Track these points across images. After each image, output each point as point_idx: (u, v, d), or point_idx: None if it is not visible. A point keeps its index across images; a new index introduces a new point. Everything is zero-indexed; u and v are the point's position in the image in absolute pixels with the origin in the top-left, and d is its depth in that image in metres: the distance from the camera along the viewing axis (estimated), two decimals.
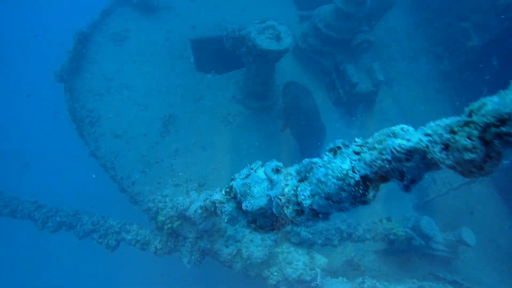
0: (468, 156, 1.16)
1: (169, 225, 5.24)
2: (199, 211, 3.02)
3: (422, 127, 1.41)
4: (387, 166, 1.43)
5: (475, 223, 7.77)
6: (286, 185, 1.92)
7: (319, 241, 5.87)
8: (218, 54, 8.56)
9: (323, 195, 1.64)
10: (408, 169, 1.38)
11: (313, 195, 1.72)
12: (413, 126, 1.47)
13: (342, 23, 7.67)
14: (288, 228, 5.76)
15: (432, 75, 9.65)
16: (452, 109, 9.17)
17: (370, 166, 1.51)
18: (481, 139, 1.14)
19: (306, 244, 5.78)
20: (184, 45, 8.37)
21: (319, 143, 6.75)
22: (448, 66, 9.15)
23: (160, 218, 5.29)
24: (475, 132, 1.15)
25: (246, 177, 2.25)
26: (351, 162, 1.58)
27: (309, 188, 1.76)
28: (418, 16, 10.48)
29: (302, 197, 1.77)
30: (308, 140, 6.87)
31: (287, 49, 6.32)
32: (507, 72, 7.84)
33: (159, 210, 5.41)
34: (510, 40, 7.91)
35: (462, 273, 6.89)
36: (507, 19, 7.83)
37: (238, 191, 2.21)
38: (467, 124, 1.19)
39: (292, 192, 1.86)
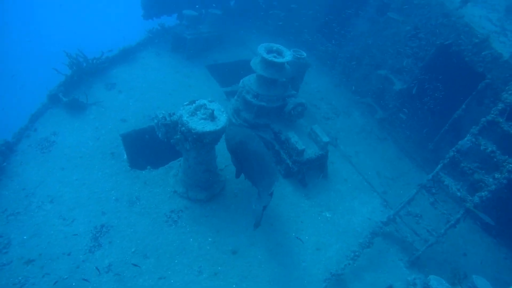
0: None
1: None
2: None
3: None
4: None
5: (473, 264, 7.15)
6: None
7: None
8: (152, 146, 7.57)
9: None
10: None
11: None
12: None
13: (269, 91, 7.21)
14: None
15: (370, 125, 9.53)
16: (399, 151, 9.04)
17: None
18: None
19: None
20: (115, 142, 7.32)
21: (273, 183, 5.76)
22: (382, 114, 9.08)
23: None
24: None
25: None
26: None
27: None
28: (333, 72, 10.77)
29: None
30: (263, 181, 5.90)
31: (224, 127, 5.57)
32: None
33: None
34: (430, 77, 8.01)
35: None
36: (419, 59, 8.06)
37: None
38: None
39: None
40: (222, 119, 5.63)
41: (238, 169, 6.42)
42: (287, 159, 7.09)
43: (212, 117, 5.54)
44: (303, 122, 7.65)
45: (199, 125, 5.37)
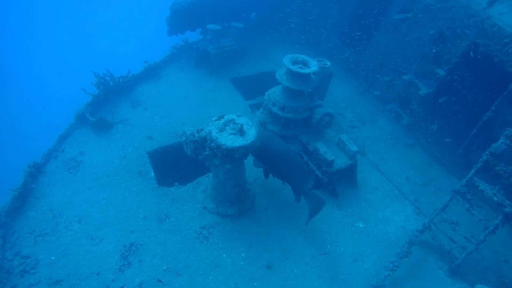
0: None
1: None
2: None
3: None
4: None
5: None
6: None
7: None
8: (179, 162, 7.41)
9: None
10: None
11: None
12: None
13: (296, 102, 6.99)
14: None
15: (397, 131, 9.19)
16: (428, 157, 8.67)
17: None
18: None
19: None
20: (142, 160, 7.18)
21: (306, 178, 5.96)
22: (409, 119, 8.75)
23: None
24: None
25: None
26: None
27: None
28: (356, 80, 10.51)
29: None
30: (295, 177, 5.96)
31: (254, 141, 5.37)
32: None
33: None
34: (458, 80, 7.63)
35: None
36: (445, 62, 7.73)
37: None
38: None
39: None
40: (251, 134, 5.44)
41: (265, 169, 6.29)
42: (316, 170, 6.80)
43: (241, 132, 5.37)
44: (330, 132, 7.38)
45: (229, 140, 5.19)
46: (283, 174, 6.12)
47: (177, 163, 7.48)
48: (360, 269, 6.02)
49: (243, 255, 5.79)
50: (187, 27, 10.46)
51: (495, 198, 5.94)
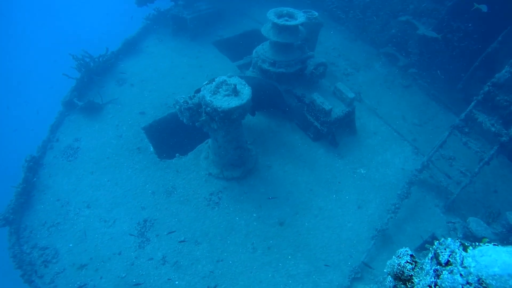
0: None
1: None
2: None
3: None
4: None
5: (504, 200, 6.76)
6: None
7: None
8: (176, 132, 7.17)
9: None
10: None
11: None
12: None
13: (286, 56, 6.68)
14: None
15: (393, 74, 8.93)
16: (425, 96, 8.47)
17: None
18: None
19: None
20: (139, 136, 6.92)
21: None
22: (405, 60, 8.45)
23: None
24: None
25: None
26: None
27: None
28: (346, 28, 10.05)
29: None
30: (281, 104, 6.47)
31: (250, 100, 5.11)
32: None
33: None
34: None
35: None
36: None
37: None
38: None
39: None
40: (245, 92, 5.18)
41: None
42: (314, 122, 6.64)
43: (235, 92, 5.10)
44: (325, 82, 7.13)
45: (224, 102, 4.95)
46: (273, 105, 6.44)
47: (174, 134, 7.27)
48: (364, 215, 6.09)
49: (254, 215, 5.77)
50: None
51: (493, 129, 5.92)
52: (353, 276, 5.25)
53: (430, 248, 1.64)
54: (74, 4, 27.71)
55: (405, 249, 1.68)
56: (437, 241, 1.61)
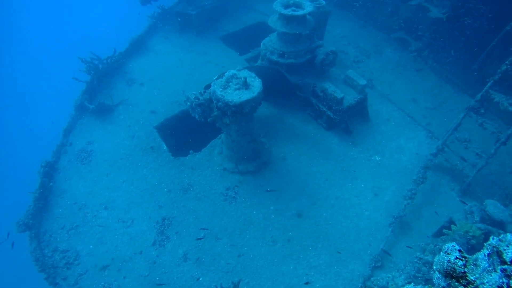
0: None
1: None
2: None
3: None
4: None
5: None
6: None
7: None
8: (189, 129, 7.12)
9: None
10: None
11: None
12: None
13: (295, 47, 6.55)
14: None
15: (405, 58, 8.72)
16: (438, 79, 8.27)
17: None
18: None
19: None
20: (151, 135, 6.90)
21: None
22: (417, 44, 8.24)
23: None
24: None
25: None
26: None
27: None
28: (355, 15, 9.81)
29: None
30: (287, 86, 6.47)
31: (261, 93, 5.02)
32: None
33: None
34: None
35: None
36: None
37: None
38: None
39: None
40: (256, 85, 5.10)
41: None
42: (327, 111, 6.53)
43: (245, 85, 5.02)
44: (335, 71, 7.00)
45: (235, 96, 4.87)
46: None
47: (186, 131, 7.23)
48: (381, 202, 5.99)
49: (272, 208, 5.72)
50: None
51: (510, 108, 5.75)
52: (373, 264, 5.19)
53: (486, 245, 1.53)
54: (77, 7, 27.73)
55: (452, 244, 1.59)
56: (494, 237, 1.50)
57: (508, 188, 6.30)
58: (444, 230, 5.06)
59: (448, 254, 1.56)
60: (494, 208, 5.19)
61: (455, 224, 5.08)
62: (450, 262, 1.53)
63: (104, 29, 24.23)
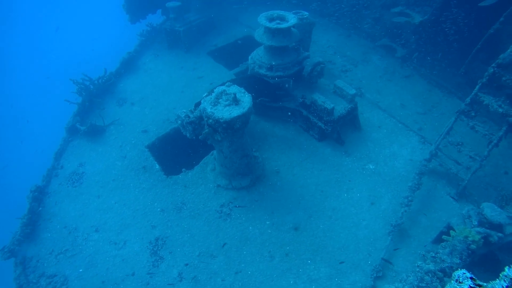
0: None
1: None
2: None
3: None
4: None
5: None
6: None
7: None
8: (181, 147, 7.04)
9: None
10: None
11: None
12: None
13: (282, 59, 6.56)
14: None
15: (392, 65, 8.76)
16: (427, 84, 8.31)
17: None
18: None
19: None
20: (143, 155, 6.81)
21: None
22: (403, 51, 8.29)
23: None
24: None
25: None
26: None
27: None
28: (339, 25, 9.93)
29: None
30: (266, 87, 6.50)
31: (251, 108, 4.99)
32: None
33: None
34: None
35: None
36: None
37: None
38: None
39: None
40: (246, 100, 5.06)
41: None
42: (318, 122, 6.49)
43: (235, 100, 4.98)
44: (324, 81, 7.01)
45: (225, 112, 4.82)
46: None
47: (178, 149, 7.13)
48: (378, 211, 5.89)
49: (268, 223, 5.59)
50: (147, 11, 9.73)
51: (500, 110, 5.73)
52: (375, 275, 5.05)
53: (502, 276, 1.42)
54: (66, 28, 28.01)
55: (463, 272, 1.47)
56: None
57: (504, 189, 6.22)
58: (443, 237, 4.96)
59: (460, 283, 1.44)
60: (491, 211, 5.09)
61: (453, 230, 4.99)
62: None
63: (94, 49, 24.42)
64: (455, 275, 1.48)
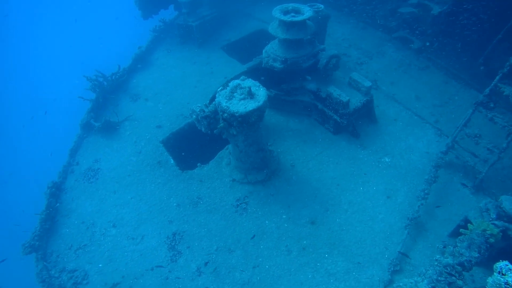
0: None
1: None
2: None
3: None
4: None
5: None
6: None
7: None
8: (196, 142, 7.04)
9: None
10: None
11: None
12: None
13: (297, 52, 6.45)
14: None
15: (408, 57, 8.58)
16: (444, 75, 8.10)
17: None
18: None
19: None
20: (158, 150, 6.82)
21: None
22: (419, 43, 8.11)
23: None
24: None
25: None
26: None
27: None
28: (354, 17, 9.76)
29: None
30: None
31: (266, 101, 4.93)
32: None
33: None
34: None
35: None
36: None
37: None
38: None
39: None
40: (261, 94, 5.01)
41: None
42: (334, 115, 6.41)
43: (250, 94, 4.93)
44: (339, 74, 6.90)
45: (241, 106, 4.77)
46: None
47: (193, 144, 7.14)
48: (394, 204, 5.81)
49: (284, 217, 5.57)
50: (160, 6, 9.65)
51: None
52: (392, 269, 4.99)
53: None
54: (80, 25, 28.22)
55: (505, 263, 1.43)
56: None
57: None
58: (461, 230, 4.87)
59: (503, 275, 1.39)
60: (510, 204, 4.94)
61: (471, 223, 4.88)
62: (508, 285, 1.37)
63: (108, 46, 24.59)
64: (497, 266, 1.43)
